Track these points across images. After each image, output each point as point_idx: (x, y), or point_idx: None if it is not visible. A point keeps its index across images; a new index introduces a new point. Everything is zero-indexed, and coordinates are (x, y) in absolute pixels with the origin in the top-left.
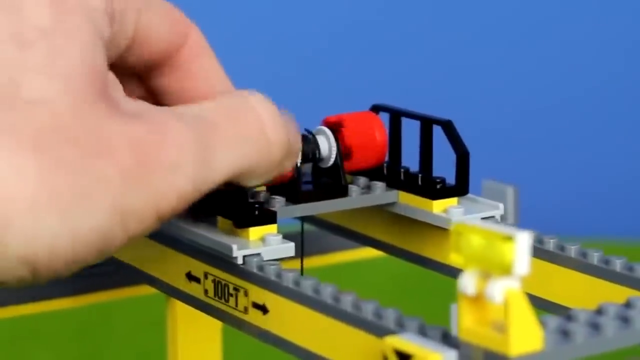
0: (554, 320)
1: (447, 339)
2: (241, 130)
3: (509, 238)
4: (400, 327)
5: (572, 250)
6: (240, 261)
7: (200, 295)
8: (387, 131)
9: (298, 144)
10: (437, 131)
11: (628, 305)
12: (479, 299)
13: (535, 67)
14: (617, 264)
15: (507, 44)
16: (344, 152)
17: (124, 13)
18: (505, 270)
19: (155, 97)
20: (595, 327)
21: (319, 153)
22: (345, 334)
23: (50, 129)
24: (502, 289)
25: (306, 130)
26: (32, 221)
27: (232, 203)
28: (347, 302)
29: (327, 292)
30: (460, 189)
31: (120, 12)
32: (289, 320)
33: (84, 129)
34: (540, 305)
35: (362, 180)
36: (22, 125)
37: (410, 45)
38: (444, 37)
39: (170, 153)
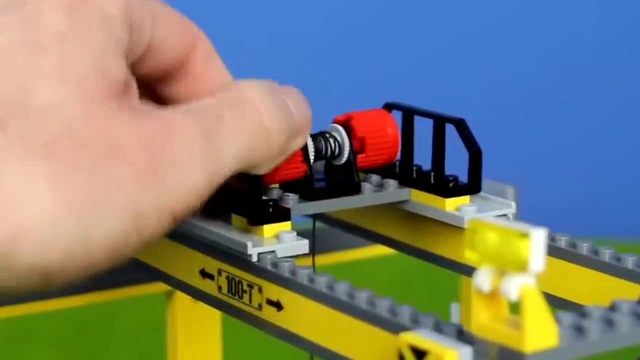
0: (568, 317)
1: (463, 336)
2: (241, 122)
3: (525, 235)
4: (415, 323)
5: (584, 247)
6: (255, 259)
7: (214, 292)
8: (399, 128)
9: (306, 119)
10: (450, 129)
11: None
12: (493, 296)
13: (538, 67)
14: (629, 261)
15: (508, 44)
16: (356, 150)
17: (142, 22)
18: (521, 267)
19: (163, 104)
20: (609, 323)
21: (332, 150)
22: (360, 331)
23: (61, 136)
24: (518, 286)
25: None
26: (45, 231)
27: (246, 201)
28: (361, 298)
29: (341, 289)
30: (472, 187)
31: (138, 21)
32: (303, 317)
33: (95, 132)
34: (553, 302)
35: (375, 178)
36: (32, 134)
37: (420, 44)
38: (443, 36)
39: (179, 148)
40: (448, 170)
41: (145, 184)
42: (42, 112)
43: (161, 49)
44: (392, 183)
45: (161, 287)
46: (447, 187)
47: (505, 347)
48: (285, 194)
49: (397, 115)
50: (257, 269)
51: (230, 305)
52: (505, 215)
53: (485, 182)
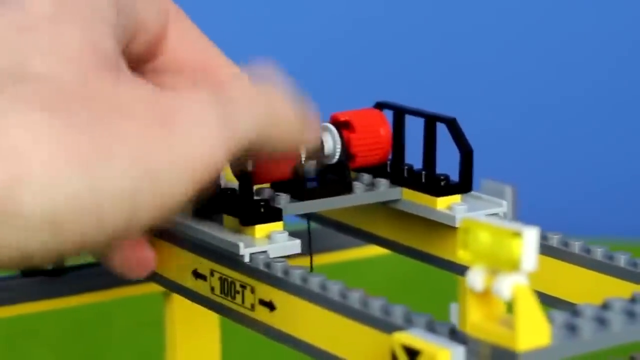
0: (560, 316)
1: (455, 335)
2: (257, 93)
3: (517, 234)
4: (408, 323)
5: (576, 246)
6: (247, 259)
7: (207, 293)
8: (391, 128)
9: (317, 121)
10: (441, 128)
11: (634, 300)
12: (486, 295)
13: (533, 67)
14: (622, 260)
15: (507, 43)
16: (348, 149)
17: (130, 4)
18: (513, 266)
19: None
20: (601, 322)
21: (324, 150)
22: (353, 331)
23: (61, 95)
24: (510, 285)
25: None
26: (49, 176)
27: (237, 201)
28: (354, 298)
29: (334, 289)
30: (464, 186)
31: (125, 4)
32: (296, 317)
33: (94, 93)
34: (545, 300)
35: (366, 177)
36: (31, 93)
37: (412, 42)
38: (444, 35)
39: (192, 109)
40: (440, 169)
41: (153, 139)
42: (39, 77)
43: (145, 26)
44: (383, 182)
45: (159, 287)
46: (439, 186)
47: (497, 346)
48: (277, 194)
49: (388, 115)
50: (249, 270)
51: (223, 306)
52: (496, 214)
53: (483, 182)
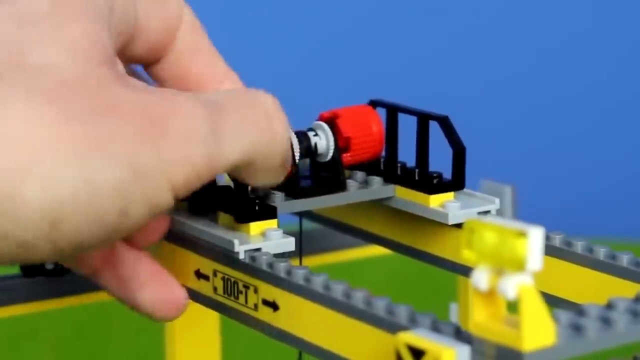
0: (565, 315)
1: (460, 335)
2: (250, 117)
3: (522, 234)
4: (412, 323)
5: (579, 246)
6: (242, 256)
7: (210, 293)
8: (383, 123)
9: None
10: (435, 127)
11: (638, 299)
12: (491, 295)
13: (532, 66)
14: (624, 259)
15: (506, 41)
16: (341, 146)
17: (125, 4)
18: (519, 266)
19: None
20: (606, 321)
21: (317, 148)
22: (357, 331)
23: (60, 86)
24: (516, 285)
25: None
26: (49, 166)
27: (233, 198)
28: (358, 298)
29: (338, 289)
30: (456, 183)
31: (122, 7)
32: (299, 317)
33: (93, 88)
34: (548, 301)
35: (360, 175)
36: (31, 82)
37: (407, 41)
38: (441, 33)
39: (182, 122)
40: (436, 167)
41: (144, 143)
42: (39, 67)
43: (147, 28)
44: (377, 180)
45: None
46: (431, 184)
47: (503, 346)
48: (271, 191)
49: (381, 113)
50: (252, 269)
51: (226, 306)
52: (488, 211)
53: (483, 182)
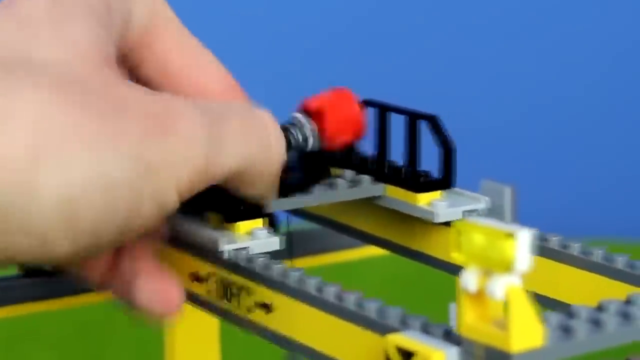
0: (555, 317)
1: (450, 337)
2: (248, 127)
3: (510, 235)
4: (403, 325)
5: (575, 248)
6: (226, 255)
7: (204, 295)
8: (359, 103)
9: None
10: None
11: (628, 301)
12: (480, 296)
13: (536, 64)
14: (619, 262)
15: (506, 41)
16: (320, 132)
17: (120, 4)
18: (507, 267)
19: None
20: (596, 323)
21: (298, 140)
22: (348, 333)
23: (67, 80)
24: (504, 286)
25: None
26: (63, 156)
27: (221, 198)
28: (350, 301)
29: (330, 291)
30: (444, 182)
31: (116, 5)
32: (292, 319)
33: (99, 86)
34: (544, 303)
35: (349, 173)
36: (39, 76)
37: (409, 41)
38: (441, 33)
39: (185, 126)
40: (428, 167)
41: (152, 140)
42: (46, 64)
43: (134, 24)
44: (366, 179)
45: None
46: (419, 183)
47: (491, 347)
48: None
49: (372, 112)
50: (245, 272)
51: (220, 309)
52: (475, 210)
53: (483, 183)
